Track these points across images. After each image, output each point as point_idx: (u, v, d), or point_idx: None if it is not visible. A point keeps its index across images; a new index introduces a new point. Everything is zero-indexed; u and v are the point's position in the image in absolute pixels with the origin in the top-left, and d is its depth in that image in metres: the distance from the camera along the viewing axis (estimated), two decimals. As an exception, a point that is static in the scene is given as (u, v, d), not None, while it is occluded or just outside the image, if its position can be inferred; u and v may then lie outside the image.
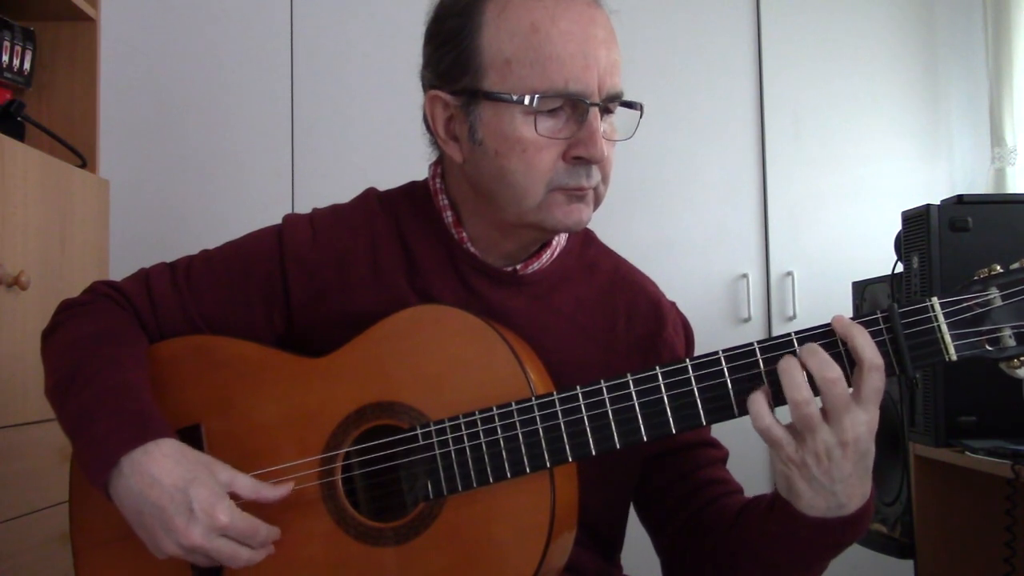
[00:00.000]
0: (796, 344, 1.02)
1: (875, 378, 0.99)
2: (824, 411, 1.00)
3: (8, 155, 1.91)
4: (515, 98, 1.10)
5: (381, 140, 2.81)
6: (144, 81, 2.89)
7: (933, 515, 1.99)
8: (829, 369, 0.99)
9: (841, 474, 1.01)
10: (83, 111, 2.43)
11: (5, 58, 2.16)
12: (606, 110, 1.14)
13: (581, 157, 1.12)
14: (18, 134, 2.13)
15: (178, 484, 1.07)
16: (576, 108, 1.11)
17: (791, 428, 1.01)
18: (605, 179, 1.16)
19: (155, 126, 2.89)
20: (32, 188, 1.99)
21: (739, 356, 1.03)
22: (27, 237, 1.96)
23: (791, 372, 1.00)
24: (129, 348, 1.20)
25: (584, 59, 1.10)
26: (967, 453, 1.77)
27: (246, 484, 1.11)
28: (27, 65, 2.23)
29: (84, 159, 2.31)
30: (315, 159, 2.89)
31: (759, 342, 1.03)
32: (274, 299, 1.24)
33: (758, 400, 1.01)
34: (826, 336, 1.02)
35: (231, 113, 2.89)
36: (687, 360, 1.05)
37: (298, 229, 1.25)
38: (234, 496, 1.10)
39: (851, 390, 1.00)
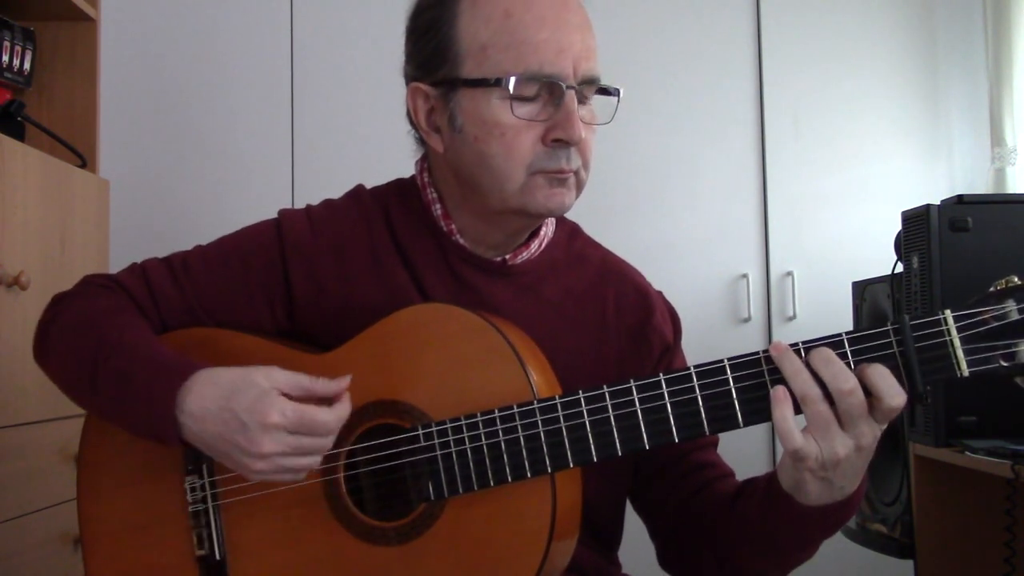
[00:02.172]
0: (804, 353, 1.01)
1: (896, 410, 0.99)
2: (839, 418, 0.99)
3: (8, 155, 1.91)
4: (492, 81, 1.12)
5: (381, 140, 2.79)
6: (144, 81, 2.89)
7: (933, 515, 1.99)
8: (844, 381, 0.98)
9: (853, 471, 1.02)
10: (83, 111, 2.43)
11: (5, 58, 2.16)
12: (583, 97, 1.15)
13: (560, 139, 1.13)
14: (18, 134, 2.13)
15: (223, 405, 1.06)
16: (552, 92, 1.13)
17: (808, 432, 1.00)
18: (586, 164, 1.17)
19: (155, 126, 2.89)
20: (32, 188, 1.99)
21: (744, 365, 1.02)
22: (27, 237, 1.96)
23: (799, 372, 0.99)
24: (137, 319, 1.20)
25: (557, 44, 1.12)
26: (967, 453, 1.77)
27: (285, 379, 1.09)
28: (27, 65, 2.23)
29: (84, 159, 2.31)
30: (315, 159, 2.89)
31: (764, 351, 1.02)
32: (275, 290, 1.24)
33: (785, 417, 0.99)
34: (833, 348, 1.00)
35: (231, 113, 2.89)
36: (691, 368, 1.04)
37: (296, 221, 1.26)
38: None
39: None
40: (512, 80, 1.11)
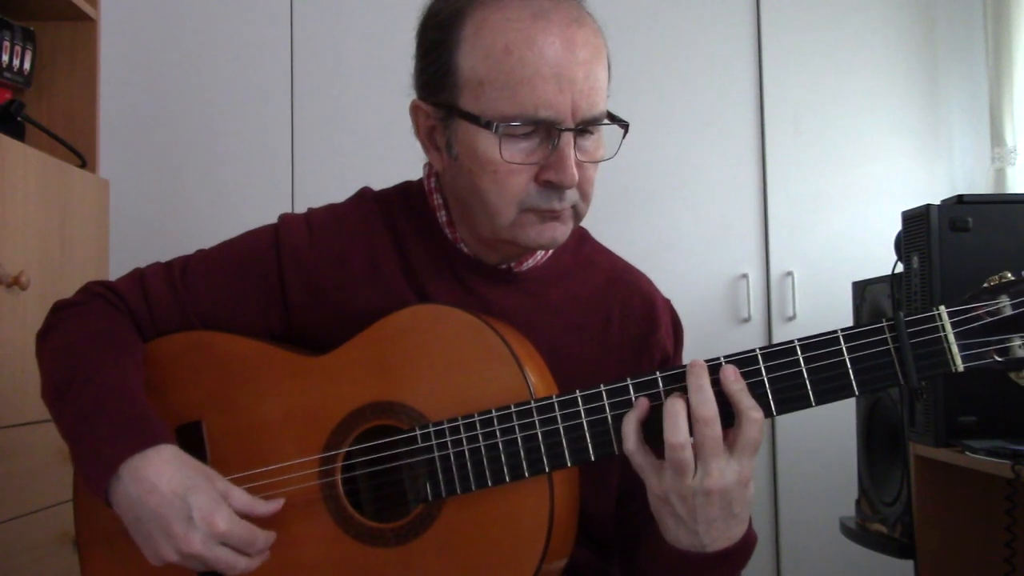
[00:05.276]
0: (800, 352, 1.01)
1: (752, 429, 0.99)
2: (694, 452, 0.99)
3: (8, 155, 1.91)
4: (484, 122, 1.09)
5: (381, 140, 2.81)
6: (144, 81, 2.89)
7: (933, 515, 1.99)
8: (705, 407, 0.99)
9: (705, 517, 1.01)
10: (83, 111, 2.44)
11: (5, 58, 2.17)
12: (585, 131, 1.12)
13: (551, 182, 1.10)
14: (18, 134, 2.13)
15: (177, 491, 1.07)
16: (549, 132, 1.09)
17: (661, 466, 1.01)
18: (584, 197, 1.15)
19: (155, 126, 2.89)
20: (32, 188, 1.99)
21: (740, 363, 1.02)
22: (27, 237, 1.96)
23: (675, 413, 1.00)
24: (125, 350, 1.20)
25: (557, 83, 1.07)
26: (967, 453, 1.77)
27: (240, 498, 1.11)
28: (27, 65, 2.24)
29: (84, 159, 2.31)
30: (315, 159, 2.89)
31: (762, 348, 1.02)
32: (271, 299, 1.24)
33: (630, 422, 1.01)
34: (829, 345, 1.01)
35: (231, 113, 2.89)
36: (687, 365, 1.03)
37: (295, 228, 1.25)
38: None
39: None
40: (503, 125, 1.08)
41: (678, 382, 1.03)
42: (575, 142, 1.10)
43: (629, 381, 1.04)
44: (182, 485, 1.07)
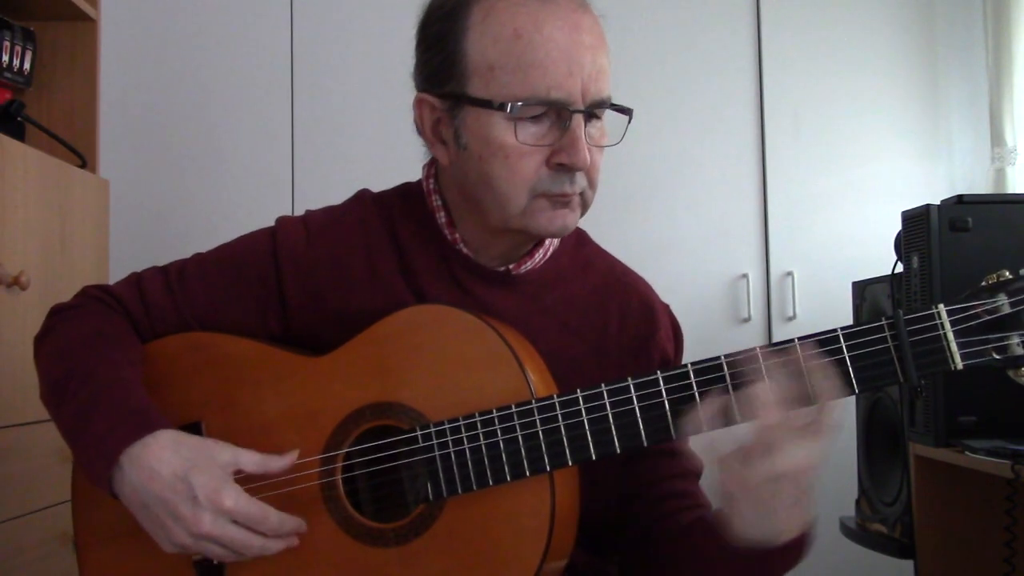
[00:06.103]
0: (799, 350, 1.00)
1: (833, 409, 0.98)
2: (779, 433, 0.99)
3: (8, 155, 1.91)
4: (496, 104, 1.10)
5: (381, 140, 2.81)
6: (144, 81, 2.89)
7: (933, 515, 1.99)
8: (793, 387, 0.98)
9: (783, 502, 1.00)
10: (83, 111, 2.44)
11: (5, 58, 2.17)
12: (593, 115, 1.13)
13: (564, 164, 1.11)
14: (18, 134, 2.13)
15: (178, 473, 1.07)
16: (559, 115, 1.11)
17: (743, 451, 1.00)
18: (592, 184, 1.15)
19: (155, 126, 2.89)
20: (32, 188, 1.99)
21: (741, 362, 1.02)
22: (27, 237, 1.96)
23: (763, 395, 0.99)
24: (121, 348, 1.20)
25: (567, 66, 1.09)
26: (967, 453, 1.77)
27: (251, 460, 1.12)
28: (27, 65, 2.24)
29: (84, 159, 2.31)
30: (315, 159, 2.89)
31: (761, 347, 1.02)
32: (269, 301, 1.24)
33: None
34: (829, 343, 1.01)
35: (231, 113, 2.89)
36: (688, 365, 1.04)
37: (292, 230, 1.25)
38: (241, 477, 1.10)
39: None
40: (517, 106, 1.09)
41: (679, 380, 1.03)
42: (584, 126, 1.11)
43: (630, 381, 1.05)
44: (182, 467, 1.07)
